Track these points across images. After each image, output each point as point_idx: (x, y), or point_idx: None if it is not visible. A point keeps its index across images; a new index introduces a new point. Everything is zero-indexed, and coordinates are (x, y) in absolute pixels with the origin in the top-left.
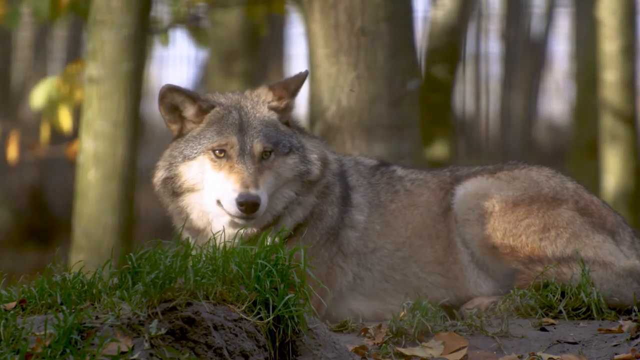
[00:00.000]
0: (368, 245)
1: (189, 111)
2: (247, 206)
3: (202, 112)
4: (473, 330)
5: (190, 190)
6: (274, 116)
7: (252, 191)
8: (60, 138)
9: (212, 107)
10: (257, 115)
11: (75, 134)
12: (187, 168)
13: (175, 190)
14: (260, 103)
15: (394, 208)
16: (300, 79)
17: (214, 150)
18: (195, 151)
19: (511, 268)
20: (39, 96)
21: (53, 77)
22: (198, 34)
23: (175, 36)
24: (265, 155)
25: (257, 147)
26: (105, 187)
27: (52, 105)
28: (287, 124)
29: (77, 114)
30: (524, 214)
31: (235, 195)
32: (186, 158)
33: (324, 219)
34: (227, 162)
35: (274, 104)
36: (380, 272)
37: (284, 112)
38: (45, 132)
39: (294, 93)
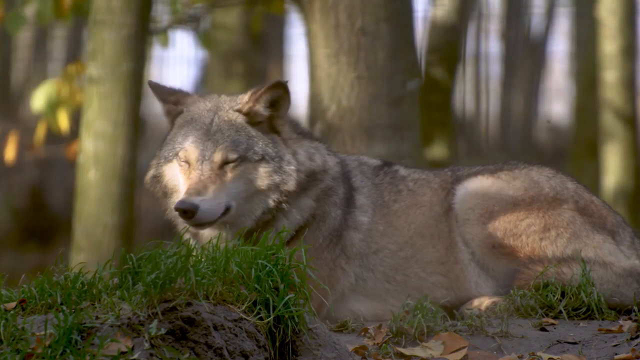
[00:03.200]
0: (371, 247)
1: (164, 110)
2: (180, 212)
3: (170, 114)
4: (473, 330)
5: (175, 191)
6: (240, 119)
7: (192, 198)
8: (60, 138)
9: (180, 111)
10: (227, 119)
11: (73, 135)
12: (167, 169)
13: (163, 190)
14: (234, 107)
15: (397, 208)
16: (270, 85)
17: (179, 155)
18: (170, 154)
19: (511, 268)
20: (39, 98)
21: (53, 80)
22: (204, 37)
23: (175, 37)
24: (229, 161)
25: (218, 153)
26: (105, 187)
27: (52, 107)
28: (276, 130)
29: (76, 116)
30: (525, 213)
31: (177, 201)
32: (166, 160)
33: (327, 220)
34: (189, 167)
35: (238, 107)
36: (382, 273)
37: (249, 116)
38: (40, 132)
39: (259, 98)
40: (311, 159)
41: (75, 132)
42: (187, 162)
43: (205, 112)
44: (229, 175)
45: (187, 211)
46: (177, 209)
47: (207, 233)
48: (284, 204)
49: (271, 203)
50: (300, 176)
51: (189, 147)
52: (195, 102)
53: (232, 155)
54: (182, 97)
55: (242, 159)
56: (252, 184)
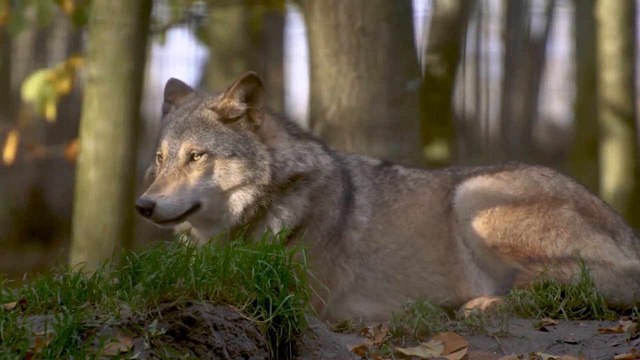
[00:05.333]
0: (371, 245)
1: (162, 107)
2: (138, 210)
3: (163, 111)
4: (473, 330)
5: None
6: (211, 116)
7: (150, 195)
8: (60, 138)
9: (169, 110)
10: (199, 117)
11: (60, 127)
12: (156, 167)
13: None
14: (208, 105)
15: (396, 207)
16: (242, 79)
17: (157, 154)
18: (156, 152)
19: (511, 268)
20: (31, 88)
21: (46, 70)
22: (200, 32)
23: (174, 36)
24: (195, 157)
25: (182, 149)
26: (105, 187)
27: (42, 97)
28: (256, 125)
29: (62, 105)
30: (525, 213)
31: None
32: (154, 157)
33: (325, 220)
34: (160, 165)
35: (213, 104)
36: (382, 272)
37: (223, 113)
38: (24, 118)
39: (233, 94)
40: (300, 159)
41: (61, 120)
42: (160, 160)
43: (183, 111)
44: (196, 171)
45: (144, 209)
46: (135, 207)
47: (194, 231)
48: (264, 200)
49: (250, 198)
50: (276, 172)
51: (162, 145)
52: (184, 102)
53: (197, 150)
54: (179, 96)
55: (210, 155)
56: (225, 180)
